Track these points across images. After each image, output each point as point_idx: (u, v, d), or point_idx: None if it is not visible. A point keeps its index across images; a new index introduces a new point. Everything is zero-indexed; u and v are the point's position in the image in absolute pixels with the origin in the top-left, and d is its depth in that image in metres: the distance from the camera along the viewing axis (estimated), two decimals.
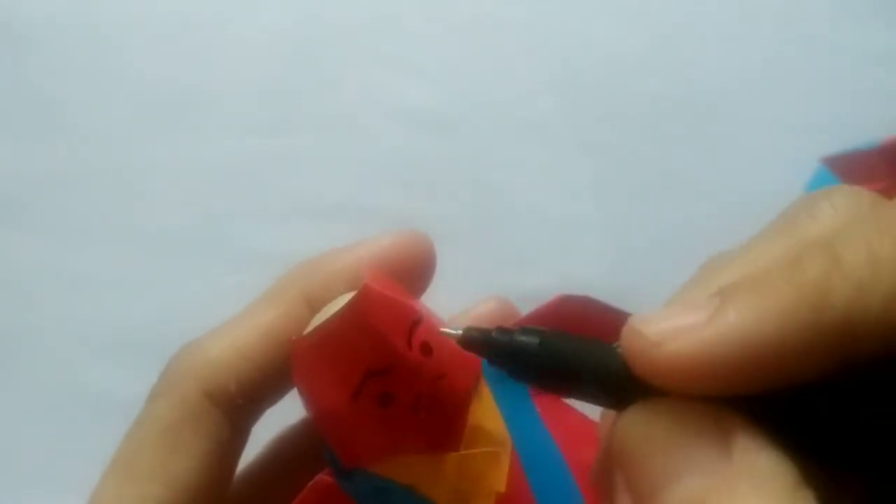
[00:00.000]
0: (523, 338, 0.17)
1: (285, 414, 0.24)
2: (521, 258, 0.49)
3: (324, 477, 0.23)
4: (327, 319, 0.20)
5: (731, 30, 0.57)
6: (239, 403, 0.22)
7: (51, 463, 0.43)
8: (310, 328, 0.21)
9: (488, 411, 0.21)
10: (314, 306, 0.22)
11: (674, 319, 0.14)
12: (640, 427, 0.15)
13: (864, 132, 0.42)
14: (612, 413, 0.16)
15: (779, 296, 0.14)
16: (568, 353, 0.16)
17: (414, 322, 0.20)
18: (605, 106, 0.54)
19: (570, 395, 0.18)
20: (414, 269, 0.23)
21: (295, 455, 0.25)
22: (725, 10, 0.58)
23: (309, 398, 0.21)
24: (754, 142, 0.54)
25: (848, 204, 0.16)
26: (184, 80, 0.52)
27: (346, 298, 0.20)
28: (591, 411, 0.18)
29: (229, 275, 0.47)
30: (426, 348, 0.20)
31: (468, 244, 0.49)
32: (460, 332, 0.18)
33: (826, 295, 0.13)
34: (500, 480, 0.20)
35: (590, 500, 0.22)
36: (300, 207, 0.49)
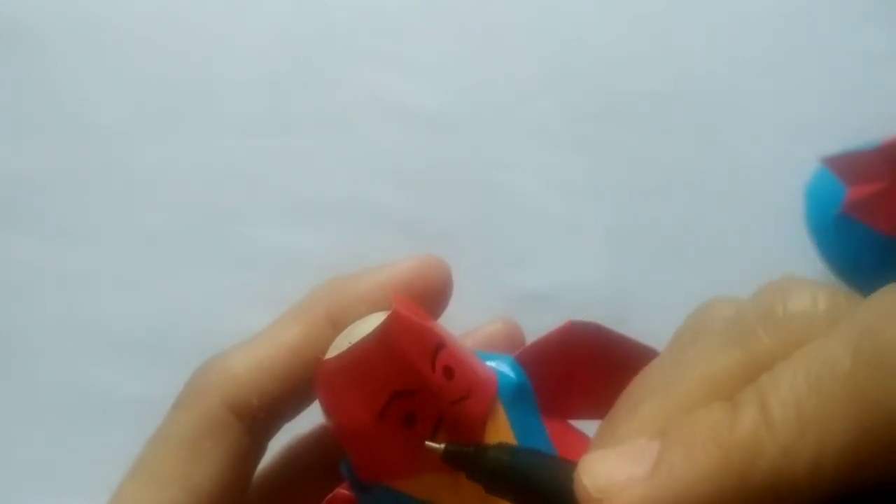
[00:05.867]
0: (497, 455, 0.19)
1: (298, 423, 0.25)
2: (520, 258, 0.49)
3: (342, 491, 0.24)
4: (357, 343, 0.21)
5: (731, 30, 0.57)
6: (260, 417, 0.23)
7: (51, 463, 0.43)
8: (334, 346, 0.21)
9: (503, 432, 0.22)
10: (337, 326, 0.22)
11: (615, 472, 0.15)
12: None
13: (864, 132, 0.42)
14: None
15: (710, 456, 0.14)
16: (538, 474, 0.18)
17: (437, 346, 0.21)
18: (604, 106, 0.54)
19: None
20: (433, 294, 0.24)
21: (308, 465, 0.26)
22: (725, 9, 0.58)
23: (333, 417, 0.22)
24: (754, 142, 0.54)
25: (804, 314, 0.16)
26: (183, 79, 0.52)
27: (374, 318, 0.21)
28: None
29: (229, 275, 0.47)
30: (448, 371, 0.21)
31: (467, 244, 0.49)
32: (442, 446, 0.20)
33: (754, 459, 0.14)
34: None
35: None
36: (300, 207, 0.49)
